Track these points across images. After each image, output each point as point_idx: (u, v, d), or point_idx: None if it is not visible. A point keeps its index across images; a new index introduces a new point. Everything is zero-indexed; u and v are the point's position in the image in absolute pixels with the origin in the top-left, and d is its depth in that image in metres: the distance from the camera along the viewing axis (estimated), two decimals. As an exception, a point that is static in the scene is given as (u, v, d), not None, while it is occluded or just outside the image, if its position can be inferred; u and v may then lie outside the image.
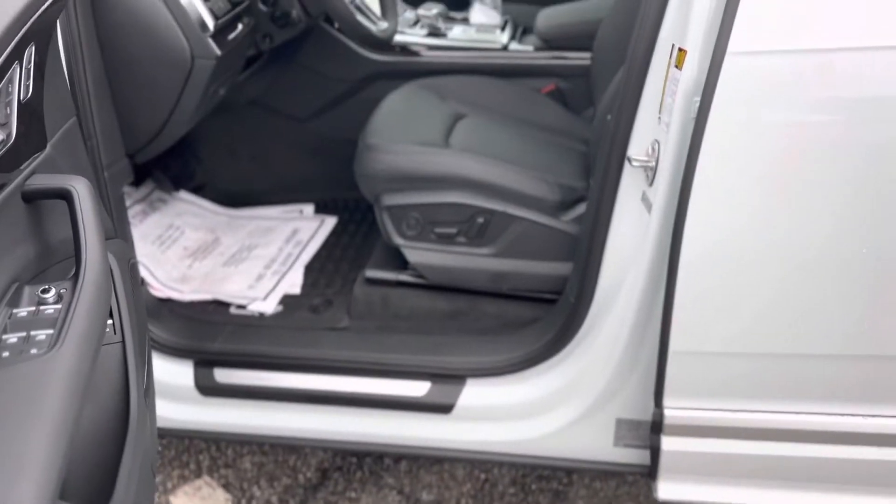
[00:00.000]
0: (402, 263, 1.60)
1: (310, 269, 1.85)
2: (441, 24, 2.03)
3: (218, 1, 1.39)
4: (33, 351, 0.69)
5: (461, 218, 1.51)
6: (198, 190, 2.19)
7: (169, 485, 1.74)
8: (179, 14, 1.32)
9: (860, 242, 1.07)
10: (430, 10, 2.02)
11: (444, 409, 1.43)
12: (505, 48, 2.01)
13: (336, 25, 1.96)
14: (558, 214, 1.48)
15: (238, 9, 1.48)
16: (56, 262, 0.92)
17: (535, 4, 2.39)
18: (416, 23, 2.04)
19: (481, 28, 2.05)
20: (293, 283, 1.77)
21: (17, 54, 0.81)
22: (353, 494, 1.70)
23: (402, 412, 1.46)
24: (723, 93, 1.00)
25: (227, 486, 1.73)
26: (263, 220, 2.10)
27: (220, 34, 1.38)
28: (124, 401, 0.97)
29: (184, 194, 2.14)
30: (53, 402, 0.63)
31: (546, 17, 1.93)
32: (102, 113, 1.32)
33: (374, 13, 1.72)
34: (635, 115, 1.18)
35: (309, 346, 1.52)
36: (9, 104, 0.82)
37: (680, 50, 1.08)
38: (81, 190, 0.86)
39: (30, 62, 0.87)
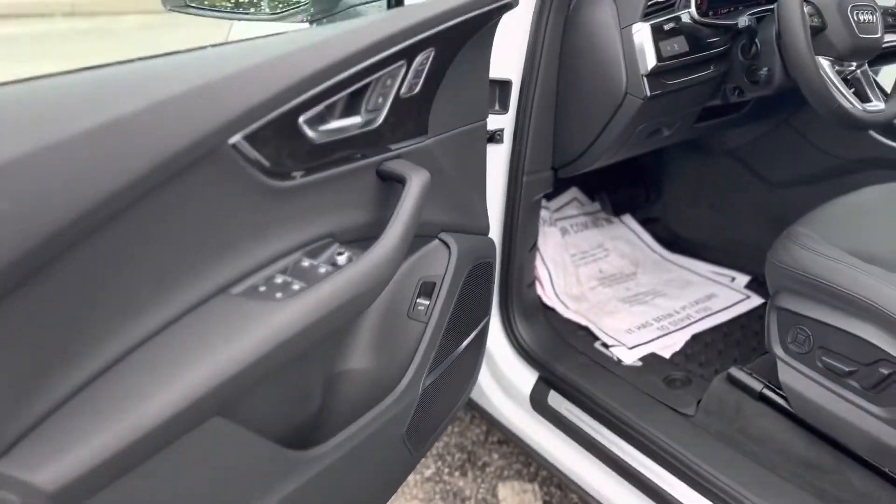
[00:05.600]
0: (775, 375, 1.34)
1: (697, 338, 1.69)
2: None
3: (673, 41, 1.33)
4: (278, 295, 0.79)
5: (862, 358, 1.18)
6: (647, 222, 2.18)
7: (505, 473, 1.85)
8: (628, 51, 1.32)
9: None
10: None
11: None
12: None
13: None
14: None
15: (704, 54, 1.40)
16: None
17: None
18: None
19: None
20: (669, 345, 1.64)
21: (403, 56, 0.94)
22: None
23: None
24: None
25: (547, 504, 1.76)
26: (690, 272, 1.98)
27: (659, 76, 1.33)
28: (402, 369, 1.07)
29: (629, 220, 2.15)
30: (239, 345, 0.69)
31: None
32: (539, 122, 1.42)
33: (875, 91, 1.42)
34: None
35: (643, 418, 1.40)
36: (384, 95, 0.95)
37: None
38: (415, 181, 0.95)
39: (423, 65, 1.00)
